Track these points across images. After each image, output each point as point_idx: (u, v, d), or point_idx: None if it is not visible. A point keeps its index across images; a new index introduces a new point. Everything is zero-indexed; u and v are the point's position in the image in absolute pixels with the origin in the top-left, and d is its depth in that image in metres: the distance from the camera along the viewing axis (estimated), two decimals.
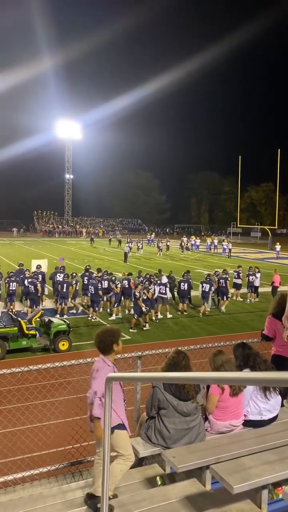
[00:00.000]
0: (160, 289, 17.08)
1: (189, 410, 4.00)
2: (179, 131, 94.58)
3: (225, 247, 43.28)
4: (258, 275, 20.62)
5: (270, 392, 4.33)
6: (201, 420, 4.13)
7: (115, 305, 16.85)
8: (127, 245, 37.47)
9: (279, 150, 49.35)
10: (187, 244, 45.80)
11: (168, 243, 44.83)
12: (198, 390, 4.09)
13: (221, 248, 45.20)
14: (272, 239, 54.05)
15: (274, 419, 4.39)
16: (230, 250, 41.98)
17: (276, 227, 55.83)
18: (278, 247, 42.63)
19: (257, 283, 20.40)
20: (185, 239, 47.45)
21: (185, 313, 17.85)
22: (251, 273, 20.60)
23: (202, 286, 17.85)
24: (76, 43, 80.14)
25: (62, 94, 79.32)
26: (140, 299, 15.34)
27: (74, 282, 17.31)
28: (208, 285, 17.72)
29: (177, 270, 24.05)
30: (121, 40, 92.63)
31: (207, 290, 17.72)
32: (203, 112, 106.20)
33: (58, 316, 15.90)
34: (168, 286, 17.39)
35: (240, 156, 53.21)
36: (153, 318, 16.45)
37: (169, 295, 17.59)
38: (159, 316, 17.09)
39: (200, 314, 17.61)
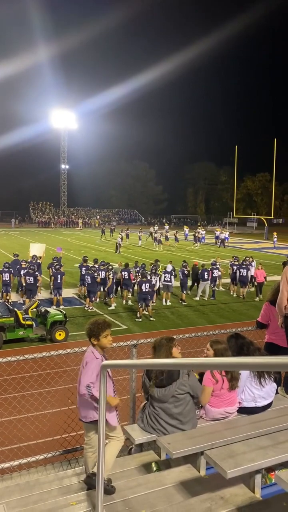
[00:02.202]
0: (165, 276, 17.55)
1: (161, 397, 4.04)
2: (175, 121, 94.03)
3: (219, 236, 43.06)
4: (253, 263, 20.66)
5: (265, 379, 4.37)
6: (189, 410, 4.11)
7: (110, 296, 16.82)
8: (119, 236, 37.42)
9: (275, 140, 49.26)
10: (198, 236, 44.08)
11: (175, 235, 43.57)
12: (174, 379, 4.09)
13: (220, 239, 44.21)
14: (268, 229, 54.11)
15: (268, 406, 4.43)
16: (223, 240, 41.96)
17: (272, 217, 55.85)
18: (274, 237, 42.68)
19: (251, 272, 20.41)
20: (201, 230, 45.79)
21: (184, 302, 18.03)
22: (247, 263, 20.62)
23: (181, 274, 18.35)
24: (72, 32, 79.26)
25: (58, 83, 78.55)
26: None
27: (111, 275, 16.97)
28: (181, 273, 18.15)
29: (174, 261, 24.02)
30: (117, 29, 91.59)
31: (181, 277, 18.15)
32: (200, 102, 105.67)
33: (54, 306, 15.93)
34: (173, 274, 17.73)
35: (236, 146, 53.10)
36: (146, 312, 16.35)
37: (173, 283, 18.01)
38: (168, 303, 17.72)
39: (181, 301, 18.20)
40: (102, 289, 17.54)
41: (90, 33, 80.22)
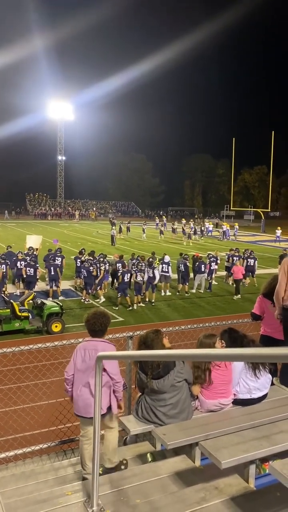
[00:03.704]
0: (163, 267, 17.80)
1: (160, 388, 4.07)
2: (173, 113, 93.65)
3: (223, 229, 42.89)
4: (252, 260, 20.68)
5: (260, 371, 4.38)
6: (186, 397, 4.16)
7: (98, 288, 16.77)
8: (113, 228, 37.28)
9: (273, 132, 49.13)
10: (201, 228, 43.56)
11: (184, 228, 42.42)
12: (171, 368, 4.12)
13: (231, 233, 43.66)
14: (265, 222, 54.15)
15: (263, 397, 4.45)
16: (224, 232, 41.95)
17: (269, 210, 55.88)
18: (278, 231, 40.29)
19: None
20: (207, 223, 44.96)
21: (186, 294, 18.11)
22: (246, 255, 20.67)
23: (179, 266, 18.39)
24: (69, 22, 78.40)
25: (54, 74, 77.97)
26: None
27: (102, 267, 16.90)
28: (183, 265, 18.17)
29: (171, 253, 24.03)
30: (115, 19, 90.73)
31: (183, 269, 18.20)
32: (197, 94, 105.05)
33: (50, 298, 15.93)
34: (170, 265, 17.99)
35: (234, 139, 52.92)
36: (140, 303, 16.42)
37: (171, 274, 18.30)
38: (167, 293, 18.06)
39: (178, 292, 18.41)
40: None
41: (86, 22, 79.52)
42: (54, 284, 16.75)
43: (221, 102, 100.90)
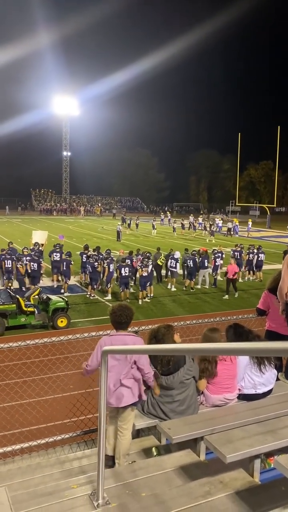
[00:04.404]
0: (171, 263, 18.00)
1: (169, 384, 4.07)
2: (178, 108, 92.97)
3: (231, 226, 42.47)
4: (262, 255, 20.66)
5: (265, 366, 4.38)
6: (193, 393, 4.18)
7: (108, 286, 16.72)
8: (118, 224, 37.21)
9: (278, 127, 48.81)
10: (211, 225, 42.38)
11: (194, 223, 42.30)
12: (181, 364, 4.12)
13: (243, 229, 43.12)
14: (271, 218, 53.90)
15: (268, 392, 4.45)
16: (229, 229, 41.74)
17: (275, 206, 55.62)
18: None
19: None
20: (217, 219, 43.86)
21: (192, 290, 18.13)
22: (250, 251, 20.64)
23: (186, 262, 18.38)
24: (74, 16, 77.99)
25: (59, 69, 77.53)
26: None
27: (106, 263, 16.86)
28: (191, 261, 18.11)
29: (177, 249, 24.01)
30: (120, 14, 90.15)
31: (191, 265, 18.16)
32: (203, 89, 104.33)
33: (63, 293, 16.18)
34: (179, 261, 18.16)
35: (239, 134, 52.64)
36: (145, 298, 16.44)
37: (179, 270, 18.47)
38: (173, 288, 18.14)
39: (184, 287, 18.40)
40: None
41: (91, 17, 78.95)
42: (65, 279, 17.01)
43: (226, 97, 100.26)
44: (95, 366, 4.09)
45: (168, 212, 57.72)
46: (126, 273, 15.98)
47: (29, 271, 16.59)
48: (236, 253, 20.39)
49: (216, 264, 19.12)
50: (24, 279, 16.53)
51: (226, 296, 17.19)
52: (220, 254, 19.46)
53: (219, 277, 19.68)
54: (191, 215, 47.88)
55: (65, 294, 16.18)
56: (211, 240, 35.65)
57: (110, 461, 4.09)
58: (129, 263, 16.78)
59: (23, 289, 15.97)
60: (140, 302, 15.85)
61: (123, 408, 4.08)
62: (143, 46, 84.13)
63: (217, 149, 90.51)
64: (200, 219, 47.53)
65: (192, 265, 18.10)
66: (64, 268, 16.91)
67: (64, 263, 16.93)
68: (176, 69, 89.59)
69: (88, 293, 16.69)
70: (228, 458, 3.19)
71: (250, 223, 44.44)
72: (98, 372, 4.08)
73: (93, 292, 16.62)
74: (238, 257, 20.31)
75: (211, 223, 43.36)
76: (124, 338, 4.06)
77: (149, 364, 4.13)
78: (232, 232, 41.44)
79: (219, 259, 19.32)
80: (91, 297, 16.43)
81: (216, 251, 20.00)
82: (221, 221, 46.88)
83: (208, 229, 41.18)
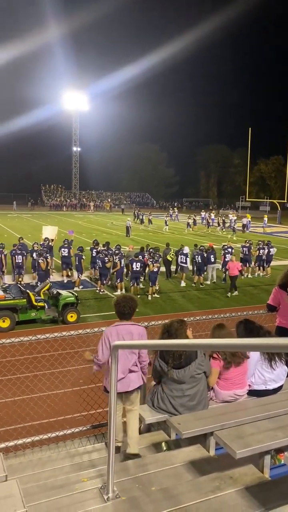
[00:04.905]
0: (181, 258, 18.10)
1: (180, 378, 4.06)
2: (188, 103, 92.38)
3: (244, 222, 41.97)
4: (273, 250, 20.55)
5: (276, 362, 4.36)
6: (203, 389, 4.17)
7: (118, 281, 16.71)
8: (128, 219, 37.18)
9: None
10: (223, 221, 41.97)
11: (208, 218, 41.78)
12: (192, 359, 4.12)
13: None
14: (281, 213, 53.45)
15: (279, 389, 4.43)
16: (244, 225, 41.37)
17: (286, 201, 55.04)
18: None
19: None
20: (231, 215, 42.71)
21: (201, 285, 18.10)
22: (260, 247, 20.54)
23: (194, 258, 18.40)
24: (83, 11, 77.75)
25: (68, 64, 77.48)
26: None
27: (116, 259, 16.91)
28: (199, 256, 18.15)
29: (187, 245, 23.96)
30: (128, 8, 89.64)
31: (199, 261, 18.17)
32: (212, 83, 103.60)
33: (76, 287, 16.39)
34: (188, 256, 18.23)
35: (250, 128, 52.17)
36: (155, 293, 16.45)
37: (189, 265, 18.53)
38: (183, 284, 17.93)
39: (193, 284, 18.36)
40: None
41: (100, 12, 78.65)
42: (79, 274, 17.18)
43: (236, 91, 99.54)
44: (105, 358, 4.15)
45: (176, 208, 57.53)
46: (138, 268, 16.01)
47: (36, 266, 16.73)
48: (244, 248, 20.30)
49: (226, 260, 19.05)
50: (45, 274, 16.54)
51: (236, 292, 17.09)
52: (230, 250, 19.36)
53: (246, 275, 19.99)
54: (202, 210, 47.34)
55: (77, 289, 16.31)
56: (232, 237, 34.35)
57: (118, 452, 4.12)
58: (141, 258, 16.79)
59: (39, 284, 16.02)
60: (149, 298, 15.87)
61: (130, 392, 4.23)
62: (152, 40, 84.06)
63: (227, 144, 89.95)
64: (213, 215, 46.83)
65: (200, 261, 18.11)
66: (77, 263, 17.02)
67: (76, 257, 17.05)
68: (185, 63, 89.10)
69: (98, 288, 16.75)
70: (238, 454, 3.18)
71: (265, 219, 43.97)
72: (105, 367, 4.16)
73: (102, 287, 16.67)
74: (247, 252, 20.23)
75: (224, 219, 43.00)
76: (128, 328, 4.23)
77: (147, 353, 4.37)
78: (246, 228, 41.10)
79: (229, 254, 19.25)
80: (100, 292, 16.48)
81: (226, 246, 19.92)
82: (235, 217, 45.27)
83: (222, 225, 40.90)
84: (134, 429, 4.18)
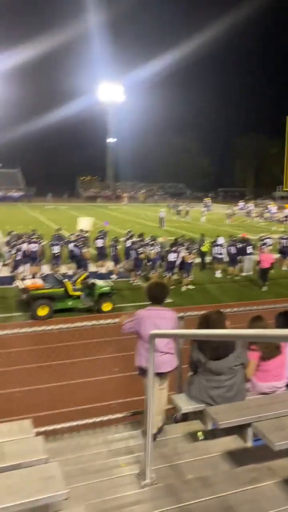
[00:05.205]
0: (216, 249, 18.10)
1: (218, 369, 4.03)
2: (224, 91, 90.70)
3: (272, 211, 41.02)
4: None
5: None
6: (241, 380, 4.13)
7: (152, 272, 16.79)
8: (161, 210, 36.94)
9: None
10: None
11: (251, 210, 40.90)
12: (231, 350, 4.09)
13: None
14: None
15: None
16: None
17: None
18: None
19: None
20: (271, 206, 41.91)
21: (236, 277, 17.92)
22: None
23: (228, 249, 18.21)
24: (117, 2, 77.44)
25: (104, 55, 77.56)
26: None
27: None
28: (234, 248, 17.93)
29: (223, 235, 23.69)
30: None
31: (233, 252, 17.98)
32: (249, 71, 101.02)
33: (112, 277, 16.72)
34: (224, 246, 18.17)
35: (287, 117, 50.61)
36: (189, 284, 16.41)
37: (225, 256, 18.37)
38: (218, 275, 18.05)
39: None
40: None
41: (135, 2, 78.15)
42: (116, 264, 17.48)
43: (274, 78, 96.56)
44: (126, 330, 4.46)
45: (209, 198, 56.88)
46: (174, 259, 15.97)
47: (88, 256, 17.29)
48: (284, 240, 19.79)
49: (262, 251, 18.66)
50: (87, 264, 17.03)
51: (265, 287, 16.33)
52: (267, 241, 18.99)
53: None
54: (241, 201, 46.07)
55: (113, 278, 16.56)
56: (278, 229, 33.16)
57: (154, 439, 4.17)
58: (177, 249, 16.77)
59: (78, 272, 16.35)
60: (184, 289, 15.83)
61: (165, 374, 4.34)
62: (187, 29, 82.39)
63: (265, 132, 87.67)
64: (251, 206, 45.55)
65: (234, 252, 17.88)
66: (113, 253, 17.24)
67: (111, 248, 17.32)
68: (220, 51, 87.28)
69: (132, 279, 16.85)
70: (276, 446, 3.14)
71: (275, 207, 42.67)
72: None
73: (136, 278, 16.76)
74: (285, 244, 19.74)
75: (262, 209, 42.04)
76: (159, 313, 4.37)
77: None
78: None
79: (265, 246, 18.86)
80: (134, 283, 16.58)
81: (263, 237, 19.55)
82: (275, 207, 43.69)
83: (261, 215, 40.03)
84: (163, 402, 4.35)
